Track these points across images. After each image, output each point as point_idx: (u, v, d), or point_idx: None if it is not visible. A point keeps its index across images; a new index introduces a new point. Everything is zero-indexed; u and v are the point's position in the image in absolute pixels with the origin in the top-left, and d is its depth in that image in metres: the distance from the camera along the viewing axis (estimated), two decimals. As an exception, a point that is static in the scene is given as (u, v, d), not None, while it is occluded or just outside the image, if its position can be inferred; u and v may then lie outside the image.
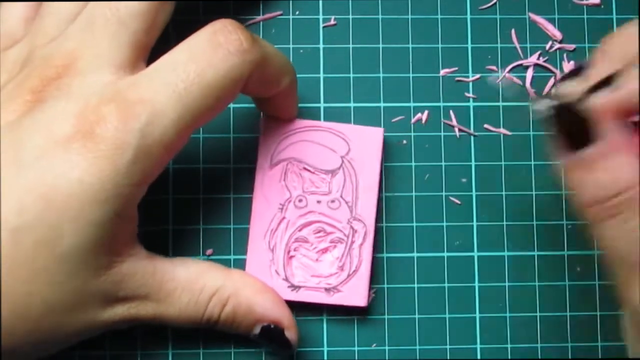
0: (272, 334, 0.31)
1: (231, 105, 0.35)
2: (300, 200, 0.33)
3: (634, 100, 0.24)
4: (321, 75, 0.35)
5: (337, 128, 0.34)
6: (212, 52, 0.27)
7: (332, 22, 0.36)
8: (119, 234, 0.28)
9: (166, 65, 0.27)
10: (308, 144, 0.34)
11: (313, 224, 0.33)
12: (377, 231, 0.34)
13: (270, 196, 0.33)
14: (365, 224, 0.33)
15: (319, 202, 0.33)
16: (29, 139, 0.26)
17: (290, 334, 0.31)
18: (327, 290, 0.33)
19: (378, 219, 0.34)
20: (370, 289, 0.33)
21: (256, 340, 0.31)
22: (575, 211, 0.26)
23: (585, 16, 0.36)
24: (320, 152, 0.34)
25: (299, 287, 0.33)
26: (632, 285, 0.24)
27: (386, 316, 0.34)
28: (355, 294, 0.33)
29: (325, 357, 0.34)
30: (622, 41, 0.26)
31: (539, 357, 0.34)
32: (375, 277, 0.34)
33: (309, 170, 0.34)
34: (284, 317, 0.31)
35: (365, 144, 0.33)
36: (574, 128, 0.24)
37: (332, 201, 0.33)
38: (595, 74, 0.25)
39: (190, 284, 0.29)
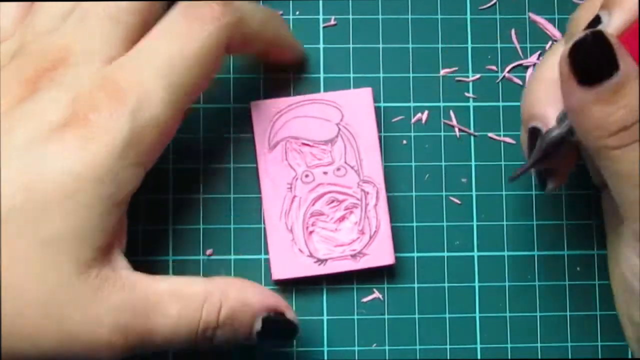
0: (274, 322, 0.30)
1: (231, 105, 0.35)
2: (306, 176, 0.33)
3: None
4: (321, 75, 0.35)
5: (326, 97, 0.34)
6: (187, 25, 0.28)
7: (332, 22, 0.36)
8: (105, 230, 0.27)
9: (147, 46, 0.28)
10: (301, 119, 0.34)
11: (324, 195, 0.34)
12: (377, 231, 0.34)
13: (276, 178, 0.33)
14: (375, 184, 0.33)
15: (325, 173, 0.34)
16: (21, 127, 0.26)
17: (291, 315, 0.31)
18: (353, 256, 0.33)
19: (386, 177, 0.34)
20: (393, 245, 0.33)
21: (260, 339, 0.30)
22: (591, 151, 0.26)
23: (585, 16, 0.36)
24: (315, 124, 0.34)
25: (325, 260, 0.33)
26: None
27: (386, 316, 0.34)
28: (382, 254, 0.33)
29: (325, 357, 0.34)
30: None
31: (539, 357, 0.34)
32: (375, 277, 0.34)
33: (308, 145, 0.34)
34: (279, 302, 0.30)
35: (356, 106, 0.34)
36: (589, 64, 0.25)
37: (338, 169, 0.34)
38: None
39: (176, 293, 0.28)
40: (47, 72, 0.27)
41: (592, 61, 0.25)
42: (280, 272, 0.33)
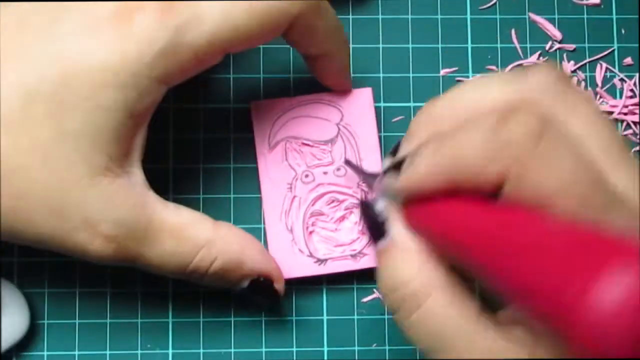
0: (260, 287, 0.31)
1: (231, 105, 0.35)
2: (306, 176, 0.33)
3: (413, 187, 0.25)
4: (321, 75, 0.35)
5: (326, 97, 0.34)
6: None
7: (332, 22, 0.36)
8: (123, 138, 0.27)
9: None
10: (301, 119, 0.34)
11: (324, 195, 0.34)
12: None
13: (276, 178, 0.33)
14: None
15: (325, 173, 0.34)
16: (68, 14, 0.26)
17: (279, 285, 0.31)
18: (353, 256, 0.33)
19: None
20: None
21: (240, 293, 0.31)
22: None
23: (585, 16, 0.36)
24: (315, 124, 0.34)
25: (325, 260, 0.33)
26: None
27: (386, 316, 0.34)
28: None
29: (325, 357, 0.34)
30: (420, 121, 0.26)
31: (539, 357, 0.34)
32: (375, 277, 0.34)
33: (308, 145, 0.34)
34: (273, 269, 0.31)
35: (356, 106, 0.34)
36: (371, 221, 0.26)
37: (338, 169, 0.34)
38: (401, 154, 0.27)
39: (178, 231, 0.28)
40: None
41: (372, 222, 0.26)
42: None
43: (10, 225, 0.26)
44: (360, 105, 0.34)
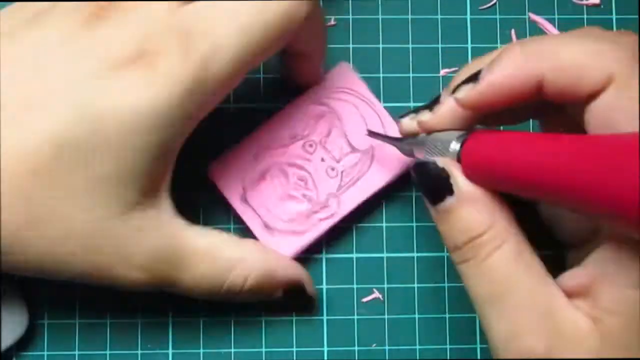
0: (294, 293, 0.32)
1: (231, 105, 0.35)
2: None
3: (494, 91, 0.25)
4: (321, 75, 0.35)
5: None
6: None
7: (332, 22, 0.36)
8: (154, 174, 0.27)
9: None
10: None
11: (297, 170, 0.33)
12: (377, 231, 0.34)
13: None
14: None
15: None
16: (86, 56, 0.26)
17: (310, 289, 0.32)
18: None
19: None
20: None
21: (278, 302, 0.32)
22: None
23: (585, 16, 0.36)
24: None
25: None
26: (490, 321, 0.25)
27: (386, 316, 0.34)
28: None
29: (326, 357, 0.34)
30: (514, 52, 0.26)
31: (539, 357, 0.34)
32: (375, 277, 0.34)
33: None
34: (302, 275, 0.32)
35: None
36: (432, 182, 0.27)
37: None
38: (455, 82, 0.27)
39: (210, 252, 0.29)
40: (117, 2, 0.27)
41: (433, 183, 0.26)
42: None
43: (48, 268, 0.27)
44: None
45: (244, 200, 0.33)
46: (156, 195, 0.28)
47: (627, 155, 0.20)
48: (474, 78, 0.26)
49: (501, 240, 0.25)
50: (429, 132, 0.28)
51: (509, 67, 0.25)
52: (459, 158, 0.26)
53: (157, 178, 0.28)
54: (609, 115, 0.23)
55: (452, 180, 0.26)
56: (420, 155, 0.29)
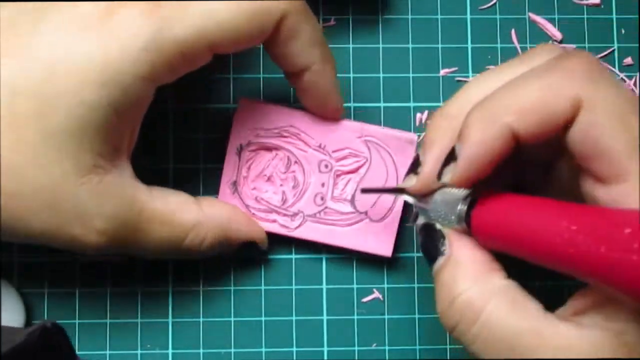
0: (246, 246, 0.33)
1: (231, 105, 0.35)
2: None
3: (477, 162, 0.25)
4: (321, 75, 0.35)
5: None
6: None
7: (332, 22, 0.36)
8: (110, 136, 0.27)
9: None
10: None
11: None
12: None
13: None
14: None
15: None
16: (53, 12, 0.26)
17: (262, 245, 0.33)
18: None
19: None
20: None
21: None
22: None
23: (585, 16, 0.36)
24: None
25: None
26: None
27: (386, 316, 0.34)
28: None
29: (325, 357, 0.34)
30: (436, 125, 0.27)
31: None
32: (375, 277, 0.34)
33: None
34: (256, 233, 0.33)
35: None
36: (430, 244, 0.27)
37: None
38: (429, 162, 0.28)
39: (168, 218, 0.30)
40: None
41: (431, 244, 0.27)
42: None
43: (6, 224, 0.27)
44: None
45: (239, 151, 0.33)
46: (116, 158, 0.28)
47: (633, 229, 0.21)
48: (452, 158, 0.26)
49: (484, 302, 0.25)
50: (431, 191, 0.28)
51: (478, 135, 0.25)
52: (467, 219, 0.26)
53: (113, 141, 0.28)
54: (591, 134, 0.23)
55: (445, 242, 0.27)
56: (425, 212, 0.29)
